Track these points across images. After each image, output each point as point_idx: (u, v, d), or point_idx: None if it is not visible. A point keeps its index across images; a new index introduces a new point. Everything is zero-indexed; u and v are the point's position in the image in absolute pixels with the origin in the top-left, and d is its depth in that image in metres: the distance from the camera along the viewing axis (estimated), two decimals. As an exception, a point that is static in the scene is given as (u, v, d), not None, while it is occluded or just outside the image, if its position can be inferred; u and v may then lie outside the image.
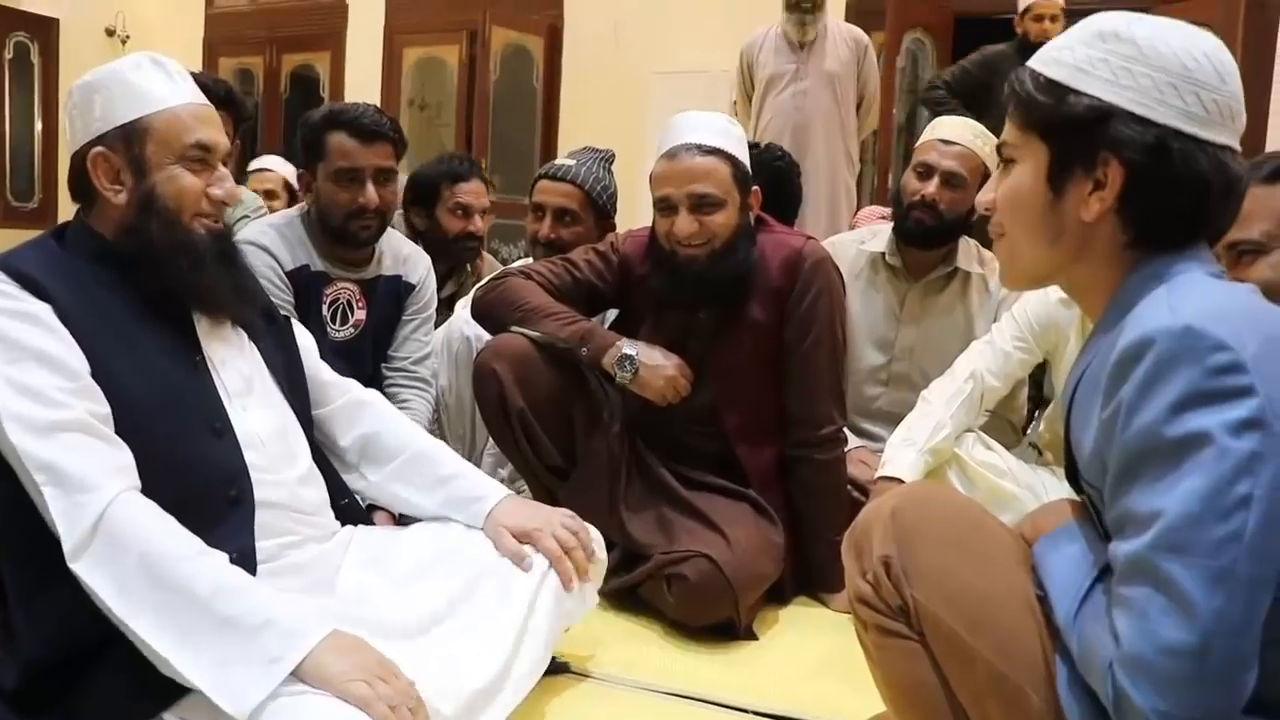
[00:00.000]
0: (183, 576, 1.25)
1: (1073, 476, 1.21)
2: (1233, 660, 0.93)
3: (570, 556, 1.66)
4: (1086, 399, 1.11)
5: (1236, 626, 0.92)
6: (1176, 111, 1.06)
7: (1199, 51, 1.07)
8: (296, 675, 1.22)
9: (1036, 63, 1.15)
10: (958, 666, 1.17)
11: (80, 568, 1.25)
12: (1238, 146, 1.10)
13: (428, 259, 2.70)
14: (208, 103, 1.55)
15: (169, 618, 1.24)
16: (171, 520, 1.31)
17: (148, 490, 1.36)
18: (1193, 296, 1.02)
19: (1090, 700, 1.05)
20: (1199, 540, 0.93)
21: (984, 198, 1.24)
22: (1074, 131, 1.10)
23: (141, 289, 1.48)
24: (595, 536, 1.76)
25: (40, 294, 1.37)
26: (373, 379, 2.54)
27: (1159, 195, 1.07)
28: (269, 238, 2.37)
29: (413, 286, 2.59)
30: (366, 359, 2.52)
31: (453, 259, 3.17)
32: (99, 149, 1.46)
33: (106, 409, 1.35)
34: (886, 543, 1.21)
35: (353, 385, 1.84)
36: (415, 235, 3.12)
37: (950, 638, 1.16)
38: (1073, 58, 1.11)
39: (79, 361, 1.35)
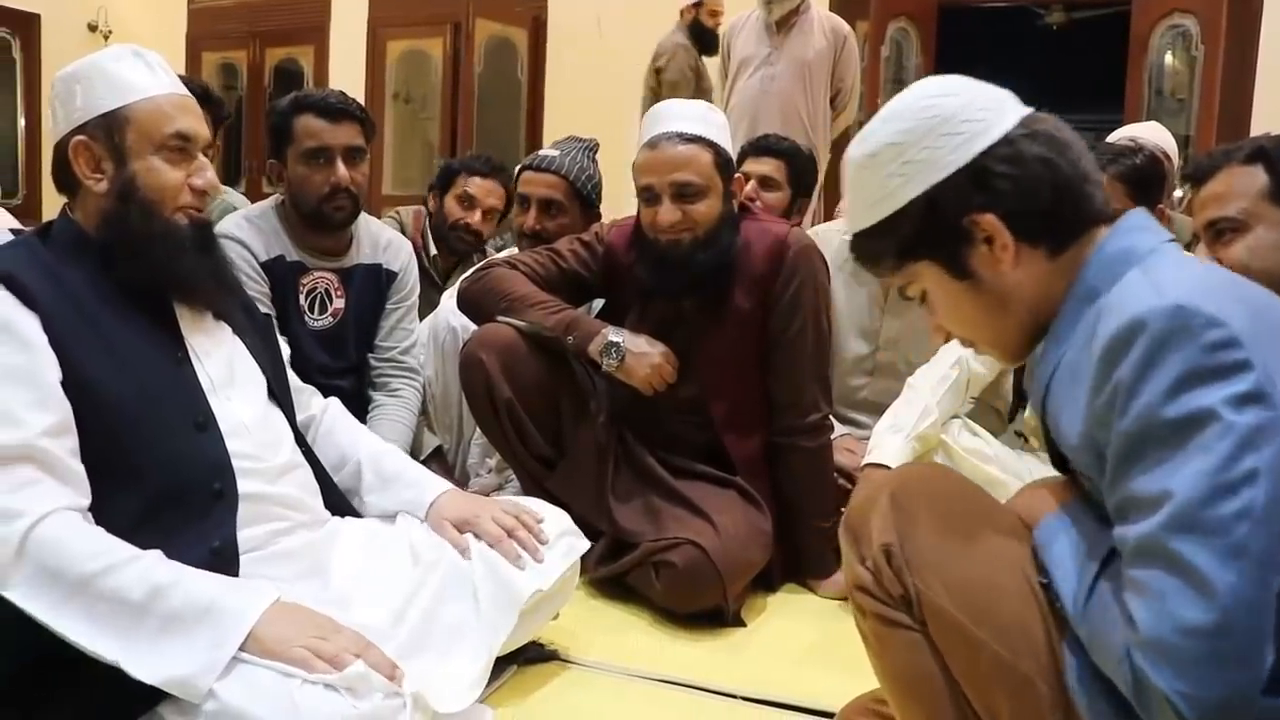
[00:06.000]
0: (114, 588, 1.27)
1: (1059, 465, 1.21)
2: (1251, 637, 0.92)
3: (513, 536, 1.68)
4: (1065, 390, 1.11)
5: (1252, 602, 0.91)
6: (963, 142, 1.10)
7: (922, 99, 1.13)
8: (242, 652, 1.26)
9: (850, 229, 1.21)
10: (962, 657, 1.14)
11: (13, 596, 1.26)
12: (1025, 110, 1.13)
13: (409, 246, 2.70)
14: (188, 93, 1.55)
15: (110, 628, 1.26)
16: (95, 532, 1.31)
17: (132, 485, 1.37)
18: (1173, 274, 1.03)
19: (1099, 687, 1.04)
20: (1210, 518, 0.92)
21: (935, 338, 1.26)
22: (927, 235, 1.14)
23: (124, 282, 1.48)
24: (555, 519, 1.78)
25: (22, 294, 1.37)
26: (358, 368, 2.55)
27: (1031, 199, 1.09)
28: (243, 229, 2.36)
29: (395, 274, 2.59)
30: (349, 347, 2.52)
31: (449, 246, 3.21)
32: (80, 137, 1.47)
33: (61, 415, 1.34)
34: (887, 530, 1.18)
35: (314, 394, 1.87)
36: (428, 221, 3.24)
37: (955, 628, 1.13)
38: (865, 203, 1.17)
39: (50, 368, 1.35)
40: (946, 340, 1.25)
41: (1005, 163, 1.08)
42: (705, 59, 5.07)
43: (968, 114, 1.10)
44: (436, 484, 1.78)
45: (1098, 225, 1.12)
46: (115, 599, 1.26)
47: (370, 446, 1.83)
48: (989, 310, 1.16)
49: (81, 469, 1.35)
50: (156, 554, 1.32)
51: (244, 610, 1.29)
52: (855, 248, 1.21)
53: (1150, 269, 1.05)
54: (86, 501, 1.34)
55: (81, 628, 1.25)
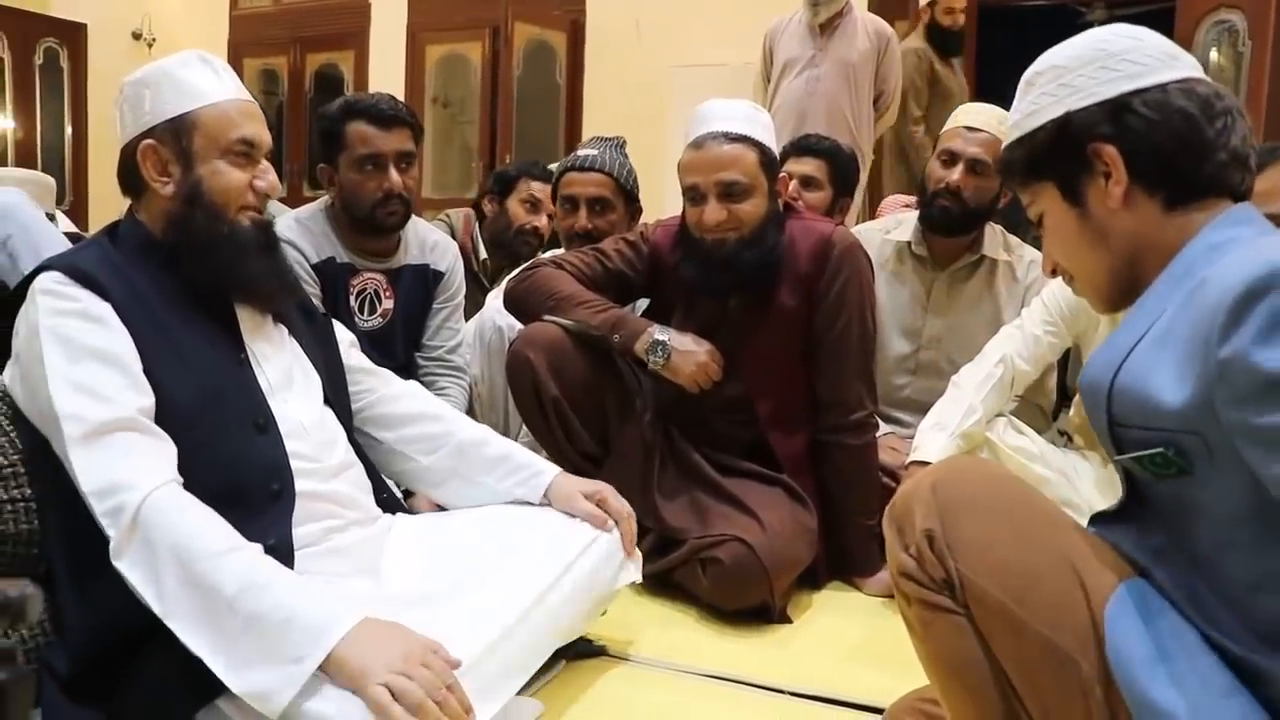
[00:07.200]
0: (211, 574, 1.26)
1: (1115, 446, 1.18)
2: None
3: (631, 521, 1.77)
4: (1153, 356, 1.09)
5: None
6: (1118, 79, 1.14)
7: (1104, 35, 1.19)
8: (323, 671, 1.22)
9: (1005, 141, 1.28)
10: (1006, 639, 1.16)
11: (122, 566, 1.28)
12: (1199, 74, 1.16)
13: (455, 246, 2.73)
14: (252, 99, 1.59)
15: (201, 616, 1.25)
16: (205, 513, 1.32)
17: (191, 484, 1.39)
18: None
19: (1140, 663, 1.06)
20: None
21: (1045, 266, 1.30)
22: (1054, 151, 1.19)
23: (188, 284, 1.52)
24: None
25: (101, 292, 1.41)
26: (405, 367, 2.58)
27: (1155, 144, 1.13)
28: (294, 232, 2.40)
29: (442, 274, 2.62)
30: (397, 347, 2.56)
31: (511, 250, 3.23)
32: (148, 141, 1.51)
33: (150, 401, 1.39)
34: (929, 517, 1.20)
35: (393, 376, 1.88)
36: (478, 225, 3.24)
37: (998, 609, 1.15)
38: (1019, 115, 1.23)
39: (133, 357, 1.39)
40: (1053, 275, 1.28)
41: (1148, 106, 1.13)
42: (944, 62, 5.02)
43: (1133, 56, 1.15)
44: (549, 464, 1.83)
45: (1223, 199, 1.14)
46: (210, 586, 1.25)
47: (471, 429, 1.85)
48: (1089, 243, 1.20)
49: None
50: (257, 549, 1.32)
51: (328, 626, 1.24)
52: (1001, 158, 1.30)
53: (1269, 245, 1.04)
54: (179, 479, 1.36)
55: (179, 610, 1.25)
